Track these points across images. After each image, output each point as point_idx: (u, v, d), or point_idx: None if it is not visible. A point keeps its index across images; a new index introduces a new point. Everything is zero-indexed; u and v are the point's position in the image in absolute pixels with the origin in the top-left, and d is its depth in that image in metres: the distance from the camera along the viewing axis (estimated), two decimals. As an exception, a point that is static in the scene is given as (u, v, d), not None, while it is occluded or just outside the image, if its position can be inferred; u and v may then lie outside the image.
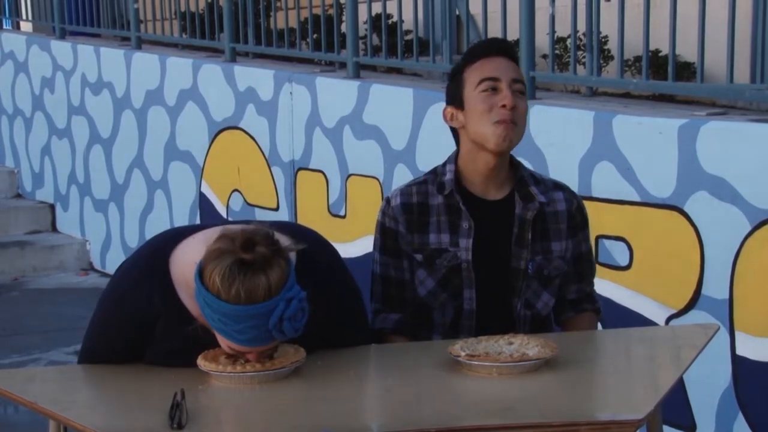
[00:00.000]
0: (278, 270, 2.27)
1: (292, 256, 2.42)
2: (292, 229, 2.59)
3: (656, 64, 4.76)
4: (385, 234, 2.77)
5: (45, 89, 7.92)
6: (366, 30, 5.45)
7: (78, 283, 7.21)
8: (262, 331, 2.27)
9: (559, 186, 2.83)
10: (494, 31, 4.64)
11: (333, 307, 2.52)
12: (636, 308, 3.74)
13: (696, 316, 3.52)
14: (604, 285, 3.77)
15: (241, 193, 5.95)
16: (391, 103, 4.89)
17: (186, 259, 2.41)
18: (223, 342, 2.35)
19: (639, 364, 2.62)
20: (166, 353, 2.47)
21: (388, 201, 2.78)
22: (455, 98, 2.77)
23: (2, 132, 8.65)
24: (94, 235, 7.51)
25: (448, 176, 2.74)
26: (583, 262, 2.84)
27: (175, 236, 2.54)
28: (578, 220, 2.81)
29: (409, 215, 2.72)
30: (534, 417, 2.14)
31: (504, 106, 2.64)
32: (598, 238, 3.85)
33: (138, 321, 2.47)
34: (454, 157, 2.78)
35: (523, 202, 2.73)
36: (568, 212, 2.78)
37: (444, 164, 2.79)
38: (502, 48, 2.75)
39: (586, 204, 3.87)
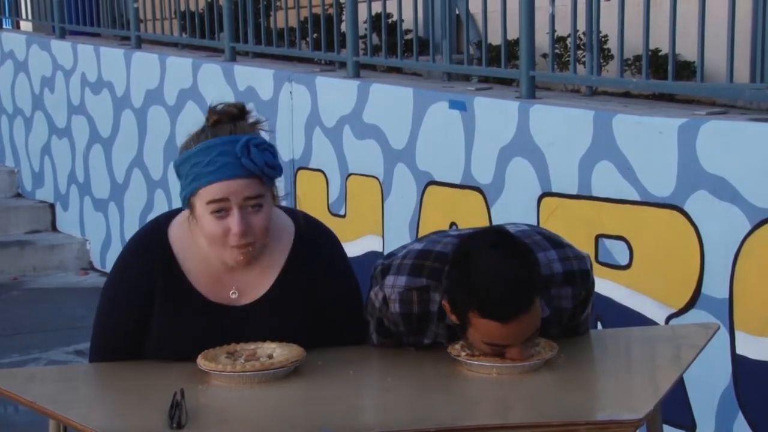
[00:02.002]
0: (245, 124, 2.43)
1: (290, 238, 2.54)
2: (297, 213, 2.67)
3: (656, 63, 4.76)
4: (383, 329, 2.58)
5: (45, 89, 7.91)
6: (366, 29, 5.45)
7: (78, 283, 7.20)
8: (231, 157, 2.36)
9: (569, 279, 2.53)
10: (494, 31, 4.65)
11: (331, 295, 2.57)
12: (636, 307, 3.74)
13: (696, 316, 3.51)
14: (604, 285, 3.76)
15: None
16: (391, 102, 4.89)
17: (181, 219, 2.54)
18: (209, 224, 2.40)
19: (639, 363, 2.62)
20: (170, 329, 2.51)
21: (386, 301, 2.51)
22: (457, 318, 2.41)
23: (2, 131, 8.64)
24: (94, 235, 7.51)
25: None
26: (575, 330, 2.64)
27: (173, 212, 2.63)
28: (579, 309, 2.58)
29: (408, 324, 2.53)
30: (534, 417, 2.14)
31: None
32: (597, 237, 3.85)
33: (142, 289, 2.52)
34: None
35: None
36: (573, 308, 2.56)
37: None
38: (519, 311, 2.31)
39: (587, 204, 3.90)
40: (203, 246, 2.50)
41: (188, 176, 2.41)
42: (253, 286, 2.55)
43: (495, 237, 2.40)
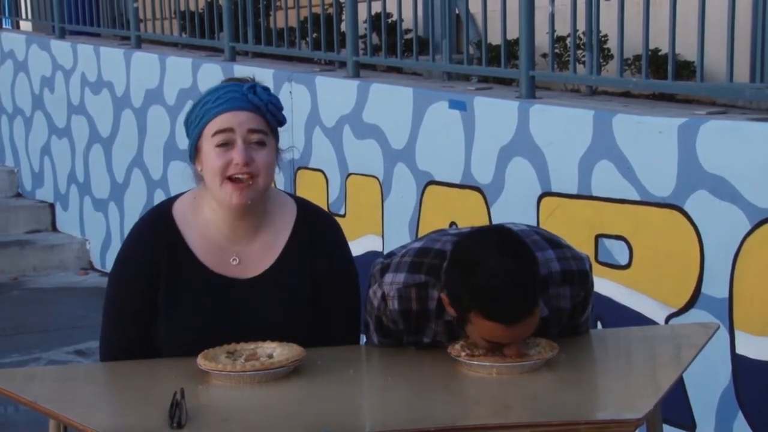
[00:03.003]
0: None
1: (292, 216, 2.61)
2: (298, 197, 2.73)
3: (656, 62, 4.75)
4: (382, 328, 2.58)
5: (45, 88, 7.91)
6: (366, 29, 5.45)
7: (78, 283, 7.20)
8: (237, 93, 2.50)
9: (568, 278, 2.53)
10: (494, 30, 4.65)
11: (329, 271, 2.61)
12: (636, 307, 3.74)
13: (696, 315, 3.51)
14: (604, 284, 3.76)
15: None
16: (391, 102, 4.89)
17: (185, 196, 2.62)
18: (213, 159, 2.47)
19: (639, 363, 2.62)
20: (174, 303, 2.53)
21: (384, 299, 2.51)
22: (458, 313, 2.39)
23: (2, 131, 8.65)
24: (93, 235, 7.51)
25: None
26: (575, 330, 2.64)
27: (177, 195, 2.69)
28: (579, 310, 2.58)
29: (407, 322, 2.53)
30: (534, 417, 2.14)
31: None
32: (597, 237, 3.85)
33: (143, 278, 2.55)
34: None
35: None
36: (572, 308, 2.55)
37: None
38: (523, 315, 2.31)
39: (586, 204, 3.89)
40: (207, 216, 2.57)
41: (196, 119, 2.52)
42: (256, 260, 2.59)
43: (500, 237, 2.39)
